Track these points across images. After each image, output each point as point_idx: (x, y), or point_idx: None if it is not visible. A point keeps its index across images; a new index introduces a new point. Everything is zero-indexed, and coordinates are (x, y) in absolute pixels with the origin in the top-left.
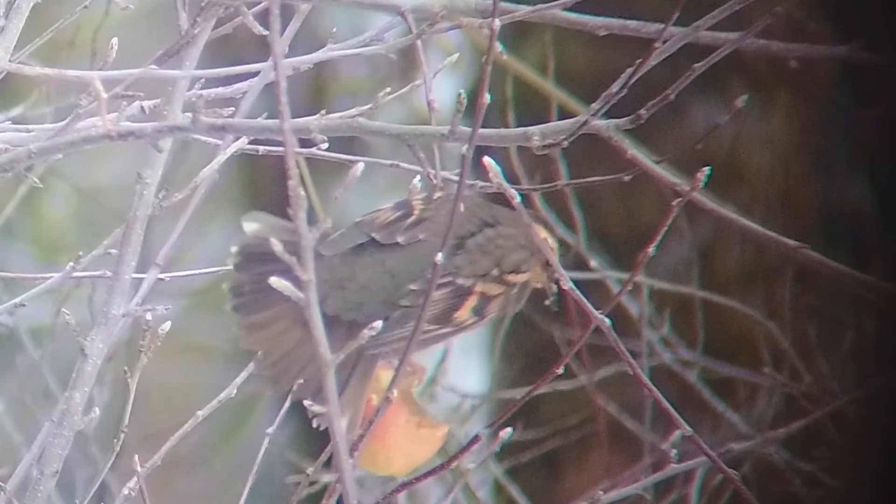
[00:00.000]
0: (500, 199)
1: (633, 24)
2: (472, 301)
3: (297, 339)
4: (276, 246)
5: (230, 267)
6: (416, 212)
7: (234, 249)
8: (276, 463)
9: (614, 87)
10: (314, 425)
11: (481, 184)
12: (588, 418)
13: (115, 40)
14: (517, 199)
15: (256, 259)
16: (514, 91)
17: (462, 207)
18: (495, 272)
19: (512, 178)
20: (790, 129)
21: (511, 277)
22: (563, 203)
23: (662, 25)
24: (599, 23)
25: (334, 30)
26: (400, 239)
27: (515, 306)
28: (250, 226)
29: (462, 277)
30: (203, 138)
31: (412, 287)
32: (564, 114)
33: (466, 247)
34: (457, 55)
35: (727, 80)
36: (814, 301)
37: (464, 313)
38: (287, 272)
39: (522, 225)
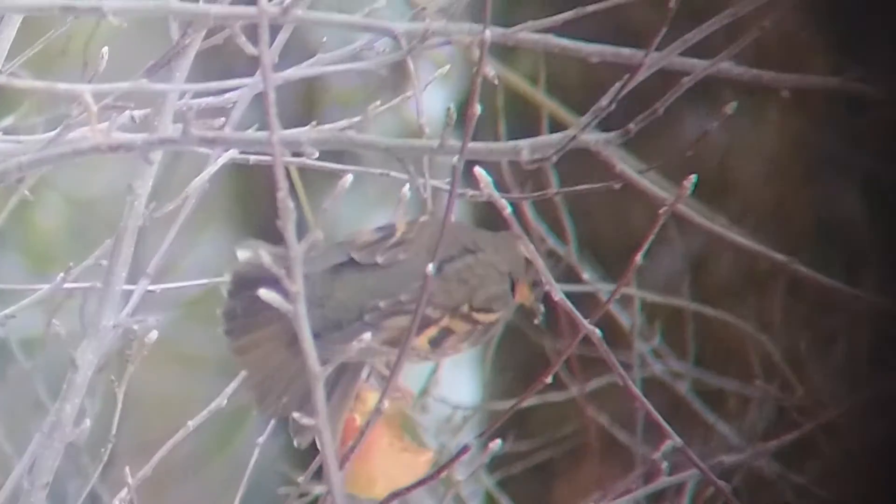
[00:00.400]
0: (491, 209)
1: (626, 51)
2: (431, 331)
3: (282, 359)
4: (265, 258)
5: (223, 291)
6: (398, 233)
7: (227, 277)
8: (267, 473)
9: (603, 101)
10: (295, 444)
11: (471, 193)
12: (579, 430)
13: (105, 50)
14: (508, 210)
15: (249, 285)
16: (506, 101)
17: (452, 218)
18: (465, 308)
19: (503, 188)
20: (783, 139)
21: (479, 316)
22: (554, 214)
23: (654, 53)
24: (592, 49)
25: (324, 39)
26: (379, 259)
27: (480, 340)
28: (244, 253)
29: (432, 307)
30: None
31: (380, 304)
32: (556, 125)
33: (444, 272)
34: (447, 66)
35: (720, 90)
36: (805, 312)
37: (421, 341)
38: (278, 292)
39: (505, 249)
